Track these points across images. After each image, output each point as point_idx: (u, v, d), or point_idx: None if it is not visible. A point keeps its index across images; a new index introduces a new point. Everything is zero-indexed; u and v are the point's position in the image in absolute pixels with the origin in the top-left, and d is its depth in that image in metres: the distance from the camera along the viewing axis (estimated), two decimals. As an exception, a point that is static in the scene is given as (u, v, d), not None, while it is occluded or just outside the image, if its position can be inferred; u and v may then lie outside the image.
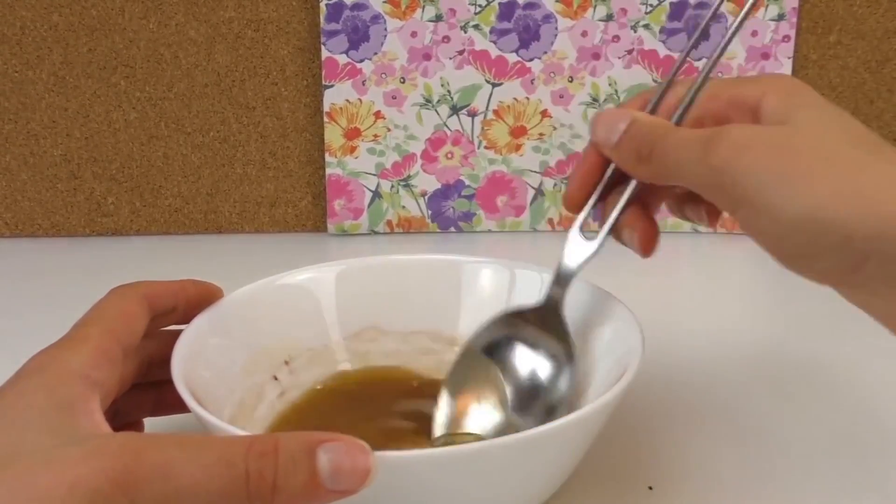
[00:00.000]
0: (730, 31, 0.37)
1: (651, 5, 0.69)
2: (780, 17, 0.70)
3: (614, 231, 0.40)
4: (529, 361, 0.42)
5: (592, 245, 0.40)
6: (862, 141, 0.33)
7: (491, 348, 0.43)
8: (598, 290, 0.44)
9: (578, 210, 0.40)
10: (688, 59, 0.40)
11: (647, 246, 0.39)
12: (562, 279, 0.41)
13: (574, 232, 0.41)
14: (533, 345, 0.42)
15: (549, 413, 0.40)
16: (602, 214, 0.40)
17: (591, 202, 0.40)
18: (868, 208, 0.31)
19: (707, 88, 0.38)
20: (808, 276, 0.33)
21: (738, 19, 0.37)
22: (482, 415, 0.42)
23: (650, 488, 0.42)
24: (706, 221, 0.41)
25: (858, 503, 0.42)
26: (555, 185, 0.74)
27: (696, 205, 0.40)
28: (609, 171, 0.40)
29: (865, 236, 0.31)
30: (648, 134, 0.37)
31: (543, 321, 0.42)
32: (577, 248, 0.41)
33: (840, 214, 0.31)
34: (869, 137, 0.34)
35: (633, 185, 0.39)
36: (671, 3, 0.69)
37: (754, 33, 0.70)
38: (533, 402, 0.41)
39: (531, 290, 0.47)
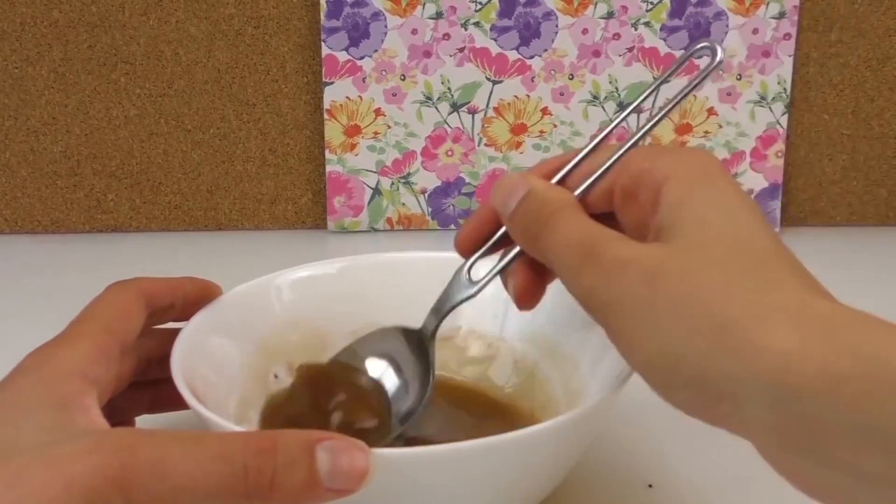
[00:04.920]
0: (658, 115, 0.36)
1: (652, 3, 0.69)
2: (781, 15, 0.69)
3: (502, 276, 0.38)
4: (393, 375, 0.43)
5: (472, 288, 0.39)
6: (748, 257, 0.30)
7: (370, 352, 0.43)
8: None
9: (468, 254, 0.39)
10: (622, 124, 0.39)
11: (523, 298, 0.37)
12: (438, 313, 0.41)
13: (460, 273, 0.40)
14: (400, 361, 0.43)
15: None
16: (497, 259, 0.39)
17: (481, 251, 0.39)
18: (724, 346, 0.28)
19: (625, 157, 0.36)
20: (672, 404, 0.31)
21: (672, 102, 0.36)
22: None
23: (650, 486, 0.42)
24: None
25: (858, 502, 0.42)
26: (555, 182, 0.74)
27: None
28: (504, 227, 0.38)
29: (719, 376, 0.28)
30: (538, 213, 0.35)
31: (416, 344, 0.42)
32: (457, 288, 0.40)
33: (695, 352, 0.28)
34: (759, 250, 0.30)
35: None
36: (672, 1, 0.69)
37: (755, 31, 0.70)
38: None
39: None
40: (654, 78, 0.71)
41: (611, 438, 0.44)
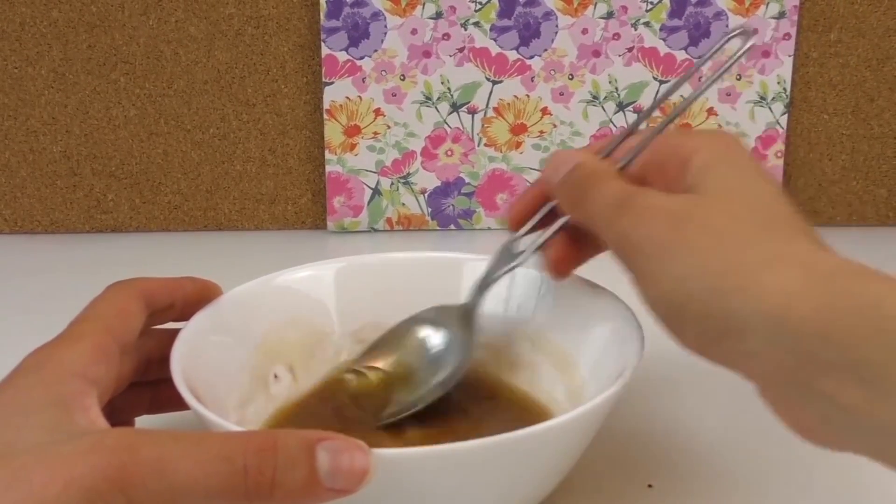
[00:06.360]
0: (697, 91, 0.39)
1: (651, 3, 0.69)
2: (781, 15, 0.69)
3: (542, 252, 0.42)
4: (435, 342, 0.45)
5: (515, 260, 0.43)
6: (764, 215, 0.33)
7: (416, 326, 0.46)
8: (597, 287, 0.44)
9: (517, 229, 0.43)
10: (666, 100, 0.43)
11: (557, 267, 0.41)
12: (482, 285, 0.44)
13: (503, 245, 0.43)
14: (445, 333, 0.45)
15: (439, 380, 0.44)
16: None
17: (528, 225, 0.42)
18: (730, 285, 0.31)
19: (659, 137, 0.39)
20: (678, 343, 0.34)
21: (709, 80, 0.39)
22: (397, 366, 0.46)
23: (650, 486, 0.42)
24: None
25: (859, 502, 0.42)
26: (555, 182, 0.74)
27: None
28: (554, 202, 0.42)
29: (726, 312, 0.31)
30: (584, 180, 0.38)
31: (462, 318, 0.44)
32: (501, 261, 0.43)
33: (705, 289, 0.31)
34: (775, 211, 0.34)
35: (567, 217, 0.41)
36: (672, 1, 0.69)
37: (755, 31, 0.70)
38: (430, 372, 0.44)
39: (529, 288, 0.46)
40: (655, 78, 0.71)
41: (611, 438, 0.44)
